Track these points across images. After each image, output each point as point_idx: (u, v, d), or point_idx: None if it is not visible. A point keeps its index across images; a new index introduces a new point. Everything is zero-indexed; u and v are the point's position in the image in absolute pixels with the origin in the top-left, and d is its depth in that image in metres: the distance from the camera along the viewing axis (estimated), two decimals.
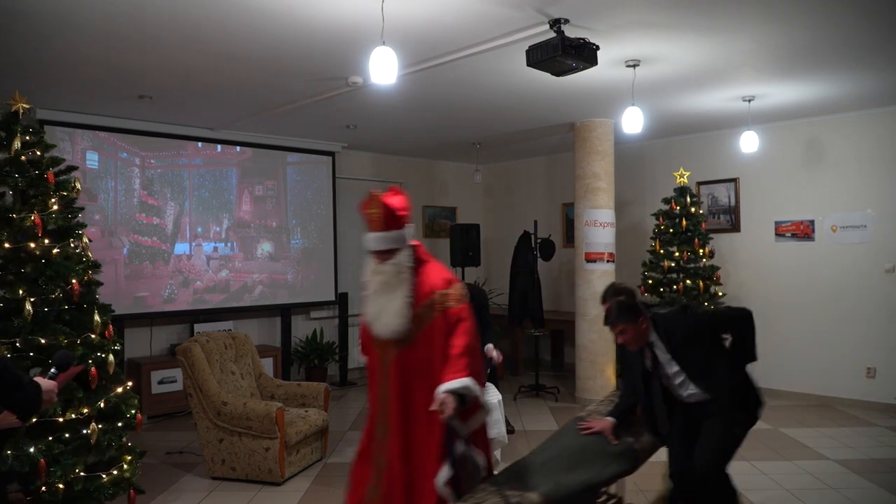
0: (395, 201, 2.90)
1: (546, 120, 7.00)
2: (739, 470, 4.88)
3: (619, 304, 3.21)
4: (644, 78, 5.23)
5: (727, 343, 3.33)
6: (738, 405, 3.24)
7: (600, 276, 7.03)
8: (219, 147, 7.39)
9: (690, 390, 3.26)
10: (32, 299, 3.56)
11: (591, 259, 7.07)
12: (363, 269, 3.01)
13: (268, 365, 7.21)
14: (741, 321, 3.29)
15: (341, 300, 8.26)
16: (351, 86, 5.35)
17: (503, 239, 9.57)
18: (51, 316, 3.62)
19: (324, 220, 8.25)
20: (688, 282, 6.77)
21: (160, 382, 6.67)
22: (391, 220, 2.88)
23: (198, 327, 7.10)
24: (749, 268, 7.48)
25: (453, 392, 2.73)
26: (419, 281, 2.92)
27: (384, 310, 2.90)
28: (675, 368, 3.24)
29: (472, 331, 2.90)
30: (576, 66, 4.18)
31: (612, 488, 3.67)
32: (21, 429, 3.59)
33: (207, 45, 4.42)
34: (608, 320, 3.23)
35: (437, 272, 2.98)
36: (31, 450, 3.42)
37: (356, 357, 8.65)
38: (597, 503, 3.33)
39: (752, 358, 3.33)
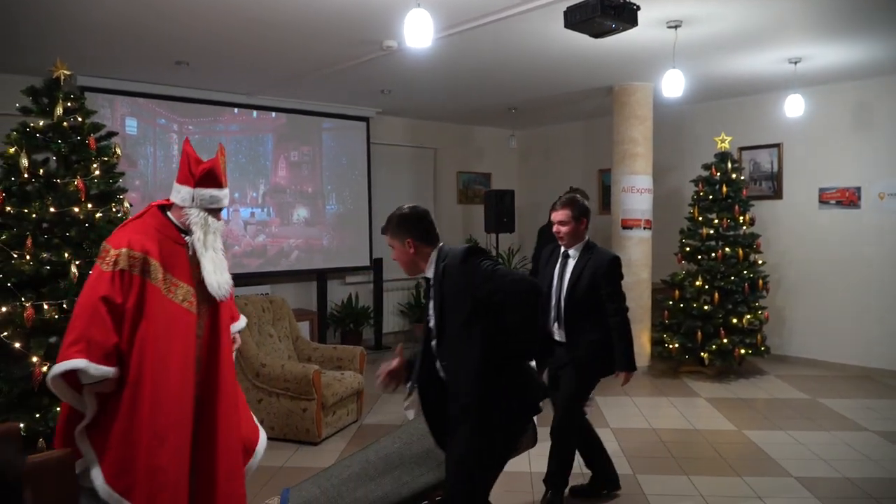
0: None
1: (583, 84, 6.86)
2: (776, 440, 4.85)
3: (401, 215, 2.58)
4: (686, 39, 5.07)
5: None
6: (483, 416, 2.42)
7: (637, 244, 6.95)
8: (254, 113, 7.43)
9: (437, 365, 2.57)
10: (78, 262, 3.66)
11: (627, 226, 6.98)
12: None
13: (304, 328, 7.32)
14: (522, 298, 2.37)
15: (376, 265, 8.32)
16: (385, 50, 5.31)
17: (538, 205, 9.48)
18: None
19: (358, 186, 8.28)
20: (727, 249, 6.64)
21: None
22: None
23: (235, 291, 7.21)
24: (791, 236, 7.30)
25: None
26: None
27: (222, 265, 2.84)
28: (432, 321, 2.55)
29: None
30: (615, 28, 4.07)
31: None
32: None
33: (242, 10, 4.41)
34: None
35: None
36: None
37: (391, 321, 8.74)
38: None
39: (530, 356, 2.65)
